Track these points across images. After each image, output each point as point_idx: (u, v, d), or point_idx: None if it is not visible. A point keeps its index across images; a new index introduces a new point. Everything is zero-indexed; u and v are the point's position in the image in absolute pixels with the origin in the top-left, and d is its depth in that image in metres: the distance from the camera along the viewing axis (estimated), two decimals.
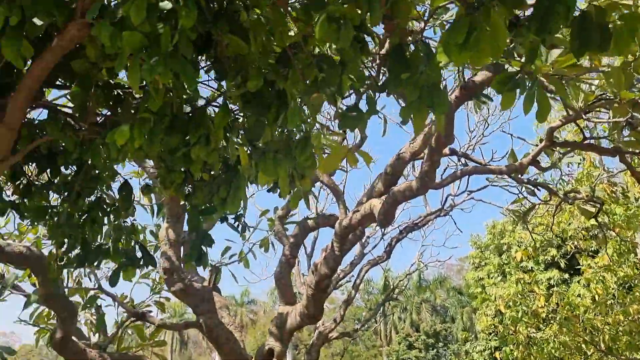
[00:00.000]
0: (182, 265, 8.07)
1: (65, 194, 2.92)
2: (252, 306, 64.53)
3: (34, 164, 3.07)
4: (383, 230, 16.52)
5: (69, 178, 2.96)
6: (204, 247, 2.63)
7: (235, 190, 2.45)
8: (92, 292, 8.06)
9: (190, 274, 8.48)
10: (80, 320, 9.41)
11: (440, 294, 51.03)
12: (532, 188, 7.46)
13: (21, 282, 7.59)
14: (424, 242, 17.37)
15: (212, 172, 2.59)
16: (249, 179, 2.40)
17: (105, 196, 3.24)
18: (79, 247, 2.97)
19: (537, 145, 6.35)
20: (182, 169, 2.71)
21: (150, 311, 8.18)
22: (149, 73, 1.76)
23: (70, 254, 3.09)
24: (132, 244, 3.07)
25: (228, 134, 2.33)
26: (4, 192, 3.13)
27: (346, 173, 13.86)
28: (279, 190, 4.60)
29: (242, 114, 2.37)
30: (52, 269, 3.22)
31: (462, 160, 9.98)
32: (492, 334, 24.32)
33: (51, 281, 6.20)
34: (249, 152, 2.34)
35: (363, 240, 15.42)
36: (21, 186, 2.94)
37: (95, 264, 3.13)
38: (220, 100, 2.36)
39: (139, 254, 3.09)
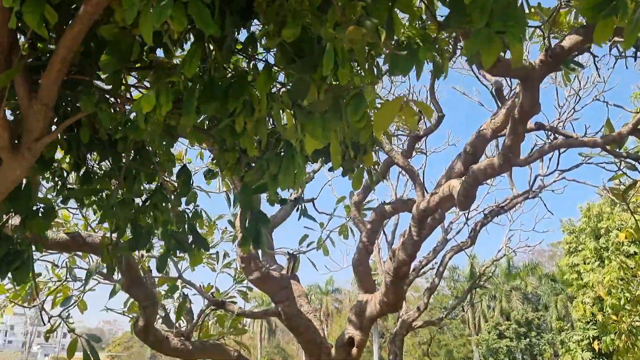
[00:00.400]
0: (259, 252, 8.06)
1: (123, 178, 2.85)
2: (337, 295, 64.99)
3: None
4: (466, 215, 15.87)
5: (125, 162, 2.88)
6: (260, 227, 2.42)
7: (287, 166, 2.23)
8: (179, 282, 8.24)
9: (268, 263, 8.46)
10: (169, 308, 9.71)
11: (532, 281, 48.72)
12: (633, 162, 6.72)
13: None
14: (511, 226, 16.43)
15: (262, 148, 2.39)
16: (296, 142, 2.15)
17: (166, 181, 3.15)
18: (130, 232, 2.89)
19: (638, 112, 5.67)
20: (236, 149, 2.53)
21: (235, 301, 8.24)
22: (157, 17, 1.56)
23: (121, 239, 3.02)
24: (183, 227, 2.94)
25: (273, 102, 2.11)
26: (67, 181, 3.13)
27: (426, 156, 13.38)
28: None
29: (286, 77, 2.13)
30: (105, 254, 3.17)
31: (551, 137, 9.26)
32: (591, 323, 22.81)
33: (133, 270, 6.36)
34: (293, 113, 2.09)
35: (446, 226, 14.88)
36: (81, 174, 2.90)
37: (147, 248, 3.05)
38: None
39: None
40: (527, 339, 45.45)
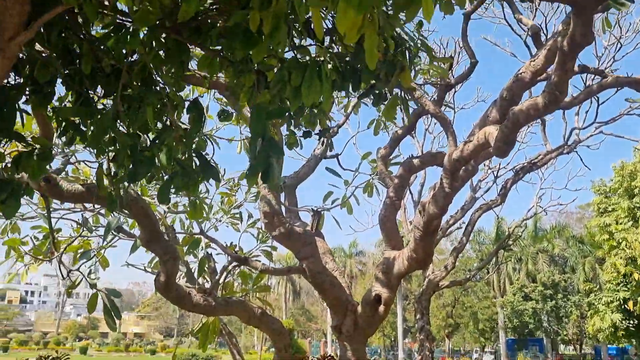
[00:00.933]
0: (282, 208, 7.80)
1: (127, 107, 2.54)
2: (361, 257, 65.39)
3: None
4: (495, 173, 15.39)
5: (131, 91, 2.57)
6: (271, 159, 2.05)
7: (311, 76, 1.86)
8: (205, 240, 8.06)
9: (292, 219, 8.21)
10: (193, 268, 9.61)
11: (559, 243, 48.05)
12: None
13: (132, 229, 7.75)
14: (542, 185, 15.81)
15: (282, 51, 2.03)
16: (321, 52, 1.78)
17: (174, 119, 2.84)
18: (129, 161, 2.56)
19: None
20: (252, 70, 2.19)
21: (259, 260, 8.05)
22: None
23: (122, 168, 2.70)
24: (190, 154, 2.58)
25: None
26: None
27: (454, 111, 12.89)
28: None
29: None
30: (102, 185, 2.88)
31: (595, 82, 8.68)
32: (621, 285, 22.32)
33: (152, 225, 6.15)
34: None
35: (474, 184, 14.47)
36: (80, 103, 2.60)
37: (148, 179, 2.74)
38: None
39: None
40: (553, 301, 45.15)
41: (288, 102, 2.27)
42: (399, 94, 2.69)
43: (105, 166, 2.86)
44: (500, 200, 12.26)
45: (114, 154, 2.62)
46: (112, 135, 2.47)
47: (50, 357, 10.75)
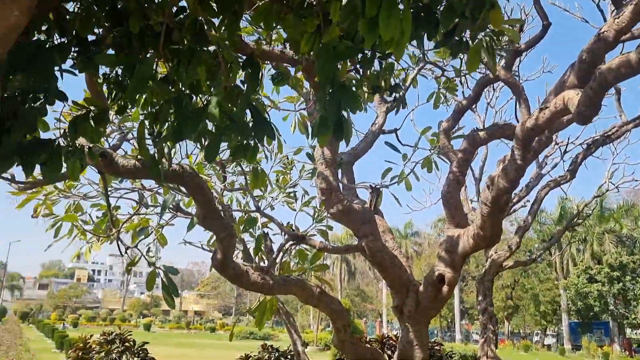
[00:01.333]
0: (340, 185, 7.54)
1: (177, 62, 2.32)
2: (416, 238, 64.70)
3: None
4: (563, 149, 14.53)
5: (182, 47, 2.34)
6: (342, 108, 1.73)
7: (391, 4, 1.54)
8: (262, 220, 7.94)
9: (349, 196, 7.94)
10: (250, 247, 9.52)
11: (627, 222, 45.66)
12: None
13: (189, 207, 7.71)
14: (614, 160, 14.63)
15: None
16: None
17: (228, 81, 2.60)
18: (172, 115, 2.29)
19: None
20: (315, 13, 1.90)
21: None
22: None
23: (164, 125, 2.45)
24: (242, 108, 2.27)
25: None
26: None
27: (518, 80, 12.14)
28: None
29: None
30: (144, 145, 2.64)
31: None
32: None
33: (209, 202, 6.03)
34: None
35: (541, 161, 13.73)
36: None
37: (194, 137, 2.48)
38: None
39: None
40: (621, 284, 43.15)
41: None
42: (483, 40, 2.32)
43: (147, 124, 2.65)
44: (570, 176, 11.53)
45: (154, 112, 2.40)
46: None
47: (114, 333, 11.00)
